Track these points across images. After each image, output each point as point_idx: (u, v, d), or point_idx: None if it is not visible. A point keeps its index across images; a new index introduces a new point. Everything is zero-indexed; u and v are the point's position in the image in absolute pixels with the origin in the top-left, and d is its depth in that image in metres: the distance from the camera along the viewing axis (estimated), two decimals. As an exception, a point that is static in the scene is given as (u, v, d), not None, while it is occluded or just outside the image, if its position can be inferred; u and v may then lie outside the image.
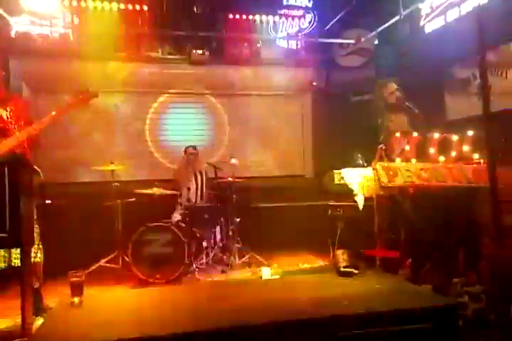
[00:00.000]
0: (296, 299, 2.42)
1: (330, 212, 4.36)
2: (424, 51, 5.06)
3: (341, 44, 5.87)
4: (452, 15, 4.61)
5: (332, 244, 4.15)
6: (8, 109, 3.00)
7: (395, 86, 3.80)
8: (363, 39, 5.58)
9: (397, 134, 3.35)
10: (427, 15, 4.92)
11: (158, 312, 2.25)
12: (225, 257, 4.51)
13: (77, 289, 2.42)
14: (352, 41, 5.72)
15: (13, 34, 4.95)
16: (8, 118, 2.97)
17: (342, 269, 2.93)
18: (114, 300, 2.64)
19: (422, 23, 5.01)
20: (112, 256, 4.31)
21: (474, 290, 2.91)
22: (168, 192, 4.46)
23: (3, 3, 4.71)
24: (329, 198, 4.38)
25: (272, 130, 5.97)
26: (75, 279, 2.41)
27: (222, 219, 4.67)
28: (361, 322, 2.13)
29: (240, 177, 4.69)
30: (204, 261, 4.36)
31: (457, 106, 4.83)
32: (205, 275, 4.11)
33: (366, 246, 3.48)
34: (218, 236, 4.67)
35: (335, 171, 3.46)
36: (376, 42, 5.59)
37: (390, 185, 2.86)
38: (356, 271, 2.88)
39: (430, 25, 4.97)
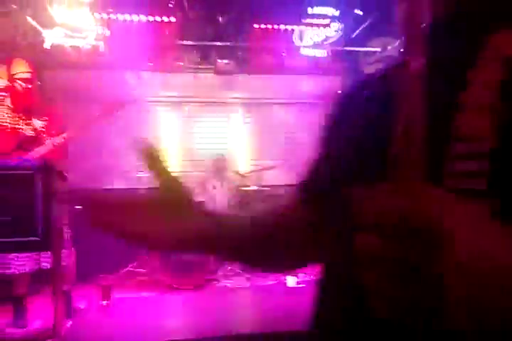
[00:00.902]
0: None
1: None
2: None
3: (368, 52, 5.86)
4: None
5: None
6: (41, 119, 3.14)
7: None
8: (389, 47, 5.55)
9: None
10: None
11: (182, 318, 2.29)
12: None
13: (105, 292, 2.49)
14: (378, 49, 5.70)
15: (47, 46, 5.16)
16: (40, 127, 3.11)
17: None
18: (141, 305, 2.70)
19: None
20: (141, 261, 4.39)
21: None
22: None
23: (37, 16, 4.92)
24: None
25: (298, 139, 5.97)
26: (104, 283, 2.49)
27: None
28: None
29: (265, 186, 4.72)
30: (230, 267, 4.39)
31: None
32: (230, 282, 4.14)
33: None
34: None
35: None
36: (402, 49, 5.53)
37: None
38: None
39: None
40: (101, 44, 5.30)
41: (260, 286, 4.00)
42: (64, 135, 3.13)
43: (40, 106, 3.22)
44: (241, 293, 3.55)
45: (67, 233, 3.01)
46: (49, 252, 2.43)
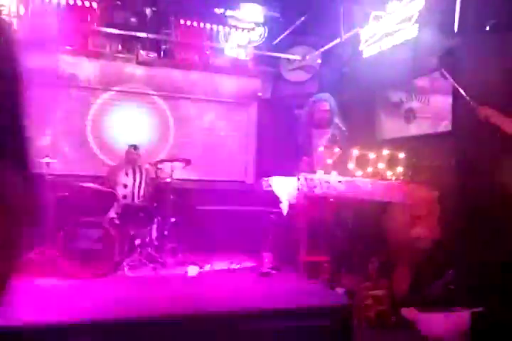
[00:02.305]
0: (209, 294, 2.60)
1: (270, 216, 4.60)
2: (361, 74, 5.45)
3: (289, 59, 6.17)
4: (387, 43, 5.00)
5: (263, 247, 4.37)
6: None
7: (326, 105, 4.08)
8: (307, 56, 5.91)
9: (321, 148, 3.63)
10: (366, 41, 5.31)
11: (71, 302, 2.34)
12: (158, 256, 4.59)
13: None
14: (298, 57, 6.04)
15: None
16: None
17: (262, 270, 3.14)
18: (35, 290, 2.68)
19: (361, 47, 5.39)
20: (43, 248, 4.27)
21: (379, 294, 3.22)
22: (102, 188, 4.49)
23: None
24: (267, 204, 4.61)
25: (217, 135, 6.14)
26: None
27: (159, 219, 4.75)
28: (262, 316, 2.34)
29: (178, 179, 4.80)
30: (136, 258, 4.41)
31: (388, 126, 5.23)
32: (135, 272, 4.17)
33: (294, 251, 3.74)
34: (154, 235, 4.74)
35: (264, 178, 3.68)
36: (319, 60, 5.93)
37: (309, 195, 3.10)
38: (273, 272, 3.09)
39: (368, 50, 5.35)
40: (14, 21, 5.03)
41: (164, 276, 4.09)
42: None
43: None
44: (139, 281, 3.62)
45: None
46: None
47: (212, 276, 3.77)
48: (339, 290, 3.45)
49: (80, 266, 3.95)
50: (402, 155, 3.50)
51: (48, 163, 4.38)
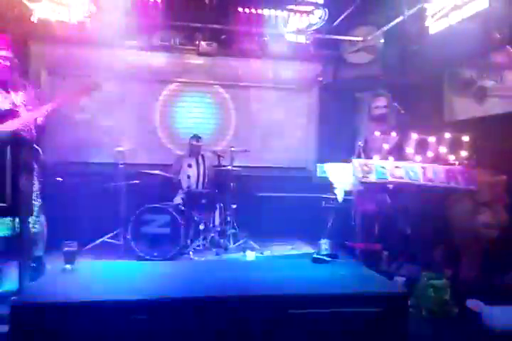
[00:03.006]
0: (263, 278, 2.66)
1: (324, 203, 4.60)
2: (428, 51, 5.14)
3: (350, 41, 5.97)
4: (455, 17, 4.66)
5: (322, 233, 4.38)
6: (19, 94, 3.29)
7: (383, 100, 3.92)
8: (369, 37, 5.68)
9: (377, 133, 3.52)
10: (432, 16, 4.98)
11: (137, 281, 2.52)
12: (221, 241, 4.77)
13: (70, 257, 2.71)
14: (360, 38, 5.82)
15: (34, 20, 5.23)
16: (18, 101, 3.27)
17: (315, 256, 3.15)
18: (106, 270, 2.92)
19: (427, 23, 5.07)
20: (115, 232, 4.63)
21: (439, 283, 3.09)
22: (168, 175, 4.74)
23: (26, -10, 4.98)
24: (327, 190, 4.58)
25: (278, 122, 6.16)
26: (67, 248, 2.70)
27: (221, 205, 4.93)
28: (311, 301, 2.36)
29: (239, 166, 4.92)
30: (201, 243, 4.64)
31: (457, 107, 4.92)
32: (199, 256, 4.39)
33: (351, 238, 3.71)
34: (217, 221, 4.93)
35: (318, 165, 3.65)
36: (382, 40, 5.67)
37: (363, 181, 3.04)
38: (328, 259, 3.08)
39: (435, 26, 5.02)
40: (87, 20, 5.37)
41: (225, 260, 4.26)
42: (42, 109, 3.29)
43: (18, 82, 3.35)
44: (202, 264, 3.80)
45: (38, 202, 3.22)
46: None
47: (269, 261, 3.86)
48: (399, 279, 3.37)
49: (149, 248, 4.24)
50: (466, 138, 3.28)
51: (120, 152, 4.68)
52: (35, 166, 3.27)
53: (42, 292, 2.29)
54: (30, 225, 3.17)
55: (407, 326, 2.51)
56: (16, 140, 2.52)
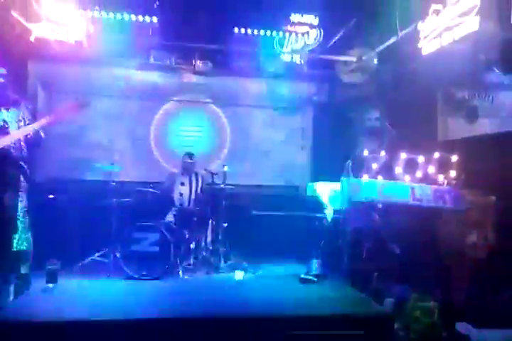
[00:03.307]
0: (249, 298, 2.63)
1: (317, 223, 4.58)
2: (421, 72, 5.19)
3: (345, 61, 6.04)
4: (447, 38, 4.73)
5: (313, 253, 4.33)
6: (11, 110, 3.32)
7: (375, 113, 3.94)
8: (363, 57, 5.75)
9: (366, 152, 3.52)
10: (425, 37, 5.06)
11: (123, 301, 2.49)
12: (212, 260, 4.72)
13: (52, 276, 2.69)
14: (354, 59, 5.90)
15: (32, 39, 5.32)
16: (9, 118, 3.29)
17: (302, 276, 3.11)
18: (88, 289, 2.89)
19: (420, 44, 5.15)
20: (104, 251, 4.58)
21: (429, 305, 3.04)
22: (160, 193, 4.72)
23: (24, 10, 5.09)
24: (317, 209, 4.56)
25: (272, 141, 6.18)
26: (50, 267, 2.68)
27: (213, 223, 4.90)
28: (295, 322, 2.32)
29: (231, 185, 4.90)
30: (191, 261, 4.59)
31: (448, 127, 4.94)
32: (189, 275, 4.33)
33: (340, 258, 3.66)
34: (209, 239, 4.89)
35: (308, 184, 3.64)
36: (376, 60, 5.74)
37: (352, 200, 3.03)
38: (315, 279, 3.04)
39: (427, 47, 5.09)
40: (84, 39, 5.47)
41: (214, 280, 4.21)
42: (31, 126, 3.30)
43: (10, 99, 3.38)
44: (190, 283, 3.75)
45: (25, 219, 3.21)
46: None
47: (257, 281, 3.81)
48: (388, 300, 3.31)
49: (138, 267, 4.19)
50: (455, 158, 3.28)
51: (112, 170, 4.68)
52: (24, 183, 3.26)
53: (20, 312, 2.26)
54: (18, 243, 3.15)
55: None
56: (1, 157, 2.51)
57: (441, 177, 3.26)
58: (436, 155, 3.30)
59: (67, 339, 2.12)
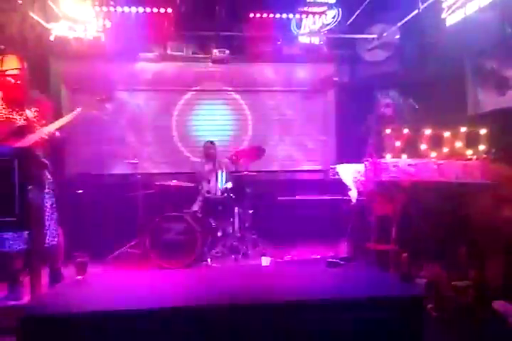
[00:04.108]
0: (275, 284, 2.61)
1: (344, 205, 4.52)
2: (446, 44, 4.98)
3: (365, 39, 5.86)
4: (471, 7, 4.49)
5: (341, 236, 4.27)
6: (32, 110, 3.40)
7: (391, 99, 3.78)
8: (385, 33, 5.56)
9: (388, 131, 3.41)
10: (448, 7, 4.82)
11: (154, 290, 2.51)
12: (240, 247, 4.74)
13: (81, 268, 2.74)
14: (375, 36, 5.71)
15: (52, 38, 5.42)
16: (32, 117, 3.37)
17: (330, 260, 3.07)
18: (119, 280, 2.93)
19: (443, 15, 4.92)
20: (134, 242, 4.68)
21: (462, 285, 2.95)
22: (183, 184, 4.75)
23: (43, 10, 5.17)
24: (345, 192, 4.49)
25: (294, 125, 6.10)
26: (79, 259, 2.74)
27: (239, 211, 4.90)
28: (322, 306, 2.28)
29: (254, 171, 4.89)
30: (219, 249, 4.62)
31: (479, 99, 4.72)
32: (218, 263, 4.37)
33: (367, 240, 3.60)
34: (236, 227, 4.91)
35: (331, 166, 3.57)
36: (398, 36, 5.54)
37: (376, 180, 2.94)
38: (342, 262, 2.99)
39: (451, 18, 4.86)
40: (102, 35, 5.51)
41: (242, 266, 4.22)
42: (56, 123, 3.37)
43: (31, 98, 3.45)
44: (217, 270, 3.77)
45: (54, 215, 3.30)
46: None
47: (285, 266, 3.79)
48: (419, 281, 3.23)
49: (167, 257, 4.26)
50: (483, 131, 3.12)
51: (135, 163, 4.76)
52: (50, 180, 3.35)
53: (51, 304, 2.32)
54: (50, 238, 3.25)
55: (423, 331, 2.40)
56: (24, 155, 2.57)
57: (469, 152, 3.12)
58: (464, 129, 3.15)
59: (100, 328, 2.16)
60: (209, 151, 5.15)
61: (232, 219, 4.82)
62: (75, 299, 2.34)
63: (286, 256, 4.59)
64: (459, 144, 3.14)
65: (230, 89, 6.01)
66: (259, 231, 4.86)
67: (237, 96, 6.06)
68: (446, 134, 3.17)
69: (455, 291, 2.87)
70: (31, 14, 5.12)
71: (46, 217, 3.21)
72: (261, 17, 5.67)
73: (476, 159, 3.11)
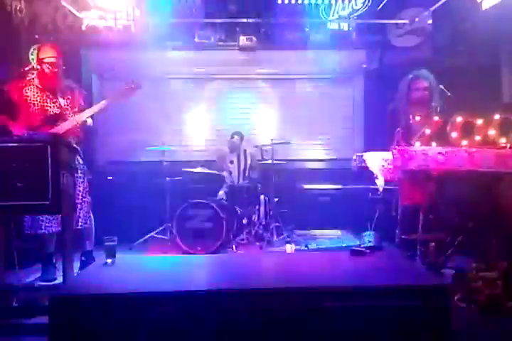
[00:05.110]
0: (299, 270, 2.62)
1: (371, 194, 4.48)
2: (481, 29, 4.79)
3: (396, 24, 5.70)
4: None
5: (368, 225, 4.24)
6: (65, 98, 3.49)
7: (424, 82, 3.62)
8: (416, 18, 5.39)
9: (417, 118, 3.32)
10: (484, -10, 4.63)
11: (180, 274, 2.57)
12: (265, 234, 4.78)
13: (110, 252, 2.83)
14: (406, 21, 5.55)
15: (83, 27, 5.51)
16: (65, 105, 3.47)
17: (354, 248, 3.04)
18: (146, 264, 3.01)
19: (479, -1, 4.72)
20: (161, 228, 4.79)
21: (491, 276, 2.88)
22: (210, 171, 4.81)
23: (74, 0, 5.27)
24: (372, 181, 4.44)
25: (322, 113, 6.04)
26: (108, 243, 2.82)
27: (266, 198, 4.93)
28: (345, 294, 2.28)
29: (281, 160, 4.89)
30: (244, 237, 4.67)
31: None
32: (243, 250, 4.43)
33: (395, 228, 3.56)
34: (261, 215, 4.94)
35: (357, 154, 3.51)
36: (430, 21, 5.36)
37: (404, 169, 2.89)
38: (367, 251, 2.97)
39: (488, 1, 4.67)
40: (132, 24, 5.57)
41: (266, 254, 4.26)
42: (88, 111, 3.47)
43: (64, 87, 3.54)
44: (242, 257, 3.82)
45: (87, 199, 3.41)
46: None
47: (308, 254, 3.79)
48: (447, 271, 3.18)
49: (193, 243, 4.34)
50: (518, 118, 3.01)
51: (163, 151, 4.83)
52: (83, 166, 3.45)
53: (80, 285, 2.41)
54: (82, 221, 3.37)
55: (450, 322, 2.37)
56: (56, 141, 2.65)
57: (503, 140, 3.02)
58: (497, 117, 3.04)
59: (126, 309, 2.22)
60: (234, 143, 5.18)
61: (257, 207, 4.86)
62: (103, 281, 2.42)
63: (311, 244, 4.60)
64: (492, 132, 3.04)
65: (257, 76, 5.99)
66: (284, 220, 4.88)
67: (264, 84, 6.04)
68: (479, 122, 3.07)
69: (483, 282, 2.81)
70: (63, 3, 5.23)
71: (79, 201, 3.32)
72: (289, 3, 5.60)
73: (510, 147, 3.00)
